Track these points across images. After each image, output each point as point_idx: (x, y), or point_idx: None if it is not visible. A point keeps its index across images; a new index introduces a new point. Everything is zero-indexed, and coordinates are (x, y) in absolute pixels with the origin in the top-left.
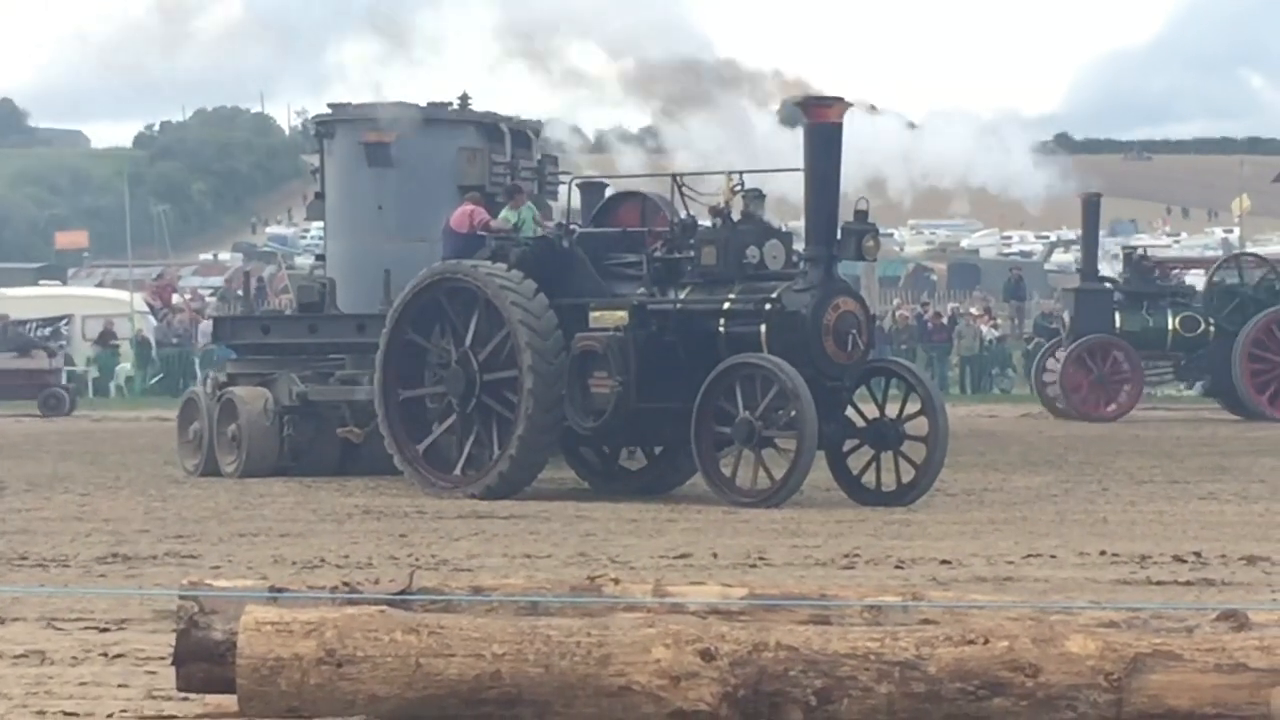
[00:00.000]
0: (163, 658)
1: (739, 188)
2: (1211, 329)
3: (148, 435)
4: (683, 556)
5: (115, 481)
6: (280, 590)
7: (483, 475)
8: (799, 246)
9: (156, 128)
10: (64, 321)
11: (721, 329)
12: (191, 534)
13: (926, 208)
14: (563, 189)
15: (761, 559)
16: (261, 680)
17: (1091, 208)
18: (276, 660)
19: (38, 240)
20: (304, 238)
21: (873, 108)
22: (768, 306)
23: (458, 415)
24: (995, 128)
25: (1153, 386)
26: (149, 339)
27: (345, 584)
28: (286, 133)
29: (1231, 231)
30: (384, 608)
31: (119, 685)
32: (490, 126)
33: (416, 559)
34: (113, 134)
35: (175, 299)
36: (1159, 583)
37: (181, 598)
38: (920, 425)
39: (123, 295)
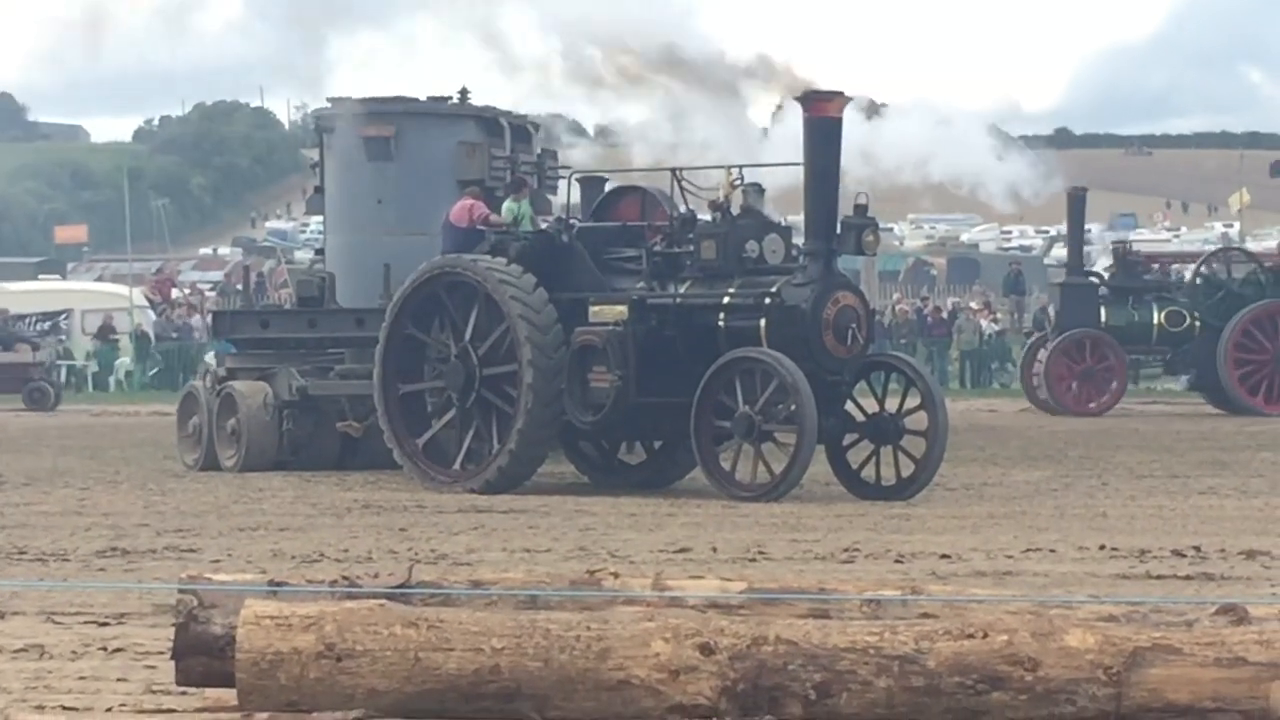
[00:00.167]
0: (162, 652)
1: (738, 182)
2: (1197, 324)
3: (147, 429)
4: (682, 551)
5: (115, 476)
6: (279, 584)
7: (482, 470)
8: (799, 241)
9: (156, 122)
10: (63, 316)
11: (721, 323)
12: (191, 528)
13: (930, 203)
14: (562, 184)
15: (761, 553)
16: (261, 674)
17: (1077, 202)
18: (276, 654)
19: (37, 235)
20: (303, 232)
21: (872, 102)
22: (767, 301)
23: (457, 410)
24: (951, 119)
25: (1135, 382)
26: (148, 333)
27: (344, 578)
28: (286, 127)
29: (1231, 226)
30: (383, 602)
31: (118, 679)
32: (490, 121)
33: (416, 553)
34: (112, 128)
35: (175, 294)
36: (1158, 577)
37: (181, 592)
38: (920, 420)
39: (122, 290)
